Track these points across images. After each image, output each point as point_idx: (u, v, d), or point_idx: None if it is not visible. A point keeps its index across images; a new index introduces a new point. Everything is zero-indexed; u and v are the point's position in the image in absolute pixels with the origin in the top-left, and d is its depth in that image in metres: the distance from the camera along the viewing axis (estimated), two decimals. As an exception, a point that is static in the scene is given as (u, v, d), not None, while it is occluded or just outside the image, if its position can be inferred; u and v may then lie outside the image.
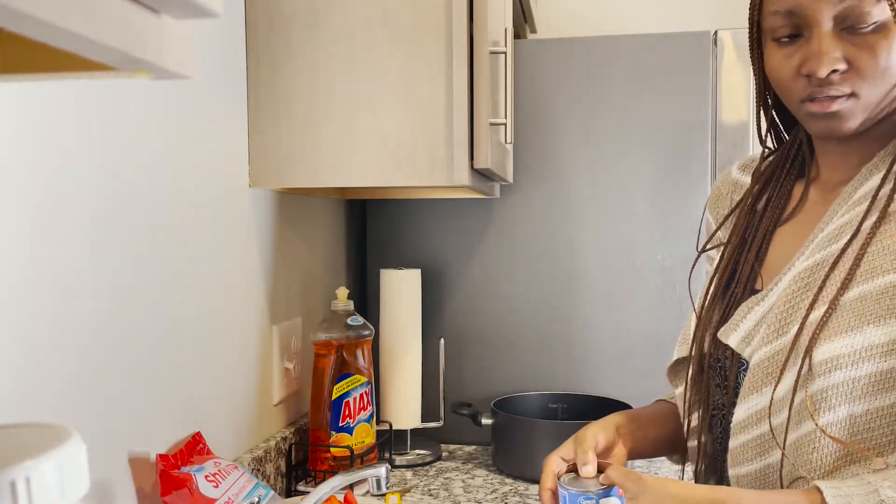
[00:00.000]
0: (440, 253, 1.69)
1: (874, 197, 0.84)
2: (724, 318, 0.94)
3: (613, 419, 1.03)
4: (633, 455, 1.04)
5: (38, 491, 0.40)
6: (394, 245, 1.72)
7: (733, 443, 0.89)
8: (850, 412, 0.79)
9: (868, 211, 0.84)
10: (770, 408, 0.85)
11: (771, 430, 0.84)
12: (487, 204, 1.67)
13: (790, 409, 0.83)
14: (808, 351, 0.81)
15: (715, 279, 0.98)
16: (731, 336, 0.90)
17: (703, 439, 0.97)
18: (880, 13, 0.79)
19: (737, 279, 0.96)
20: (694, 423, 0.97)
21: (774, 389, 0.84)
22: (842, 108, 0.82)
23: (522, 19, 1.95)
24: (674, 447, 1.08)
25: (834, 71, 0.81)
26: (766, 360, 0.86)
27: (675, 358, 1.02)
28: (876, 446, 0.80)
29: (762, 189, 0.99)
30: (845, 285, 0.81)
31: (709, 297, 0.97)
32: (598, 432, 0.99)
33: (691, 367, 0.97)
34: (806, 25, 0.83)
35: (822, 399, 0.80)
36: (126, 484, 0.92)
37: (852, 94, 0.82)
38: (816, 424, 0.80)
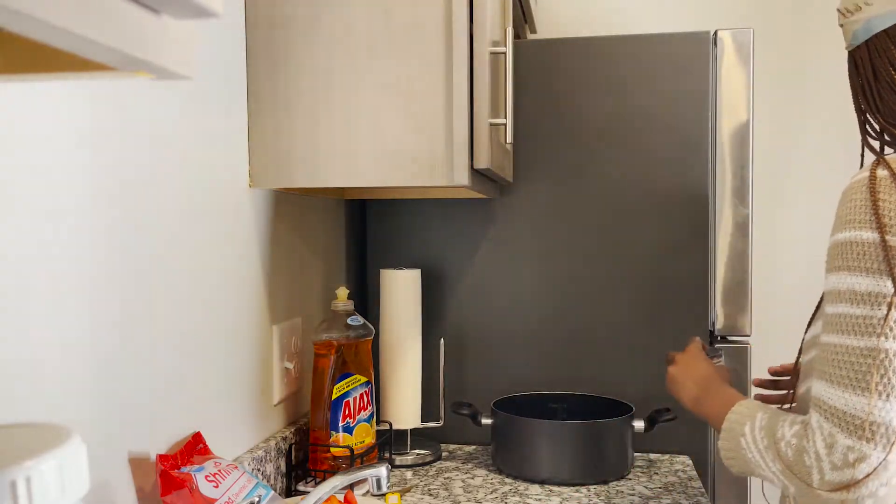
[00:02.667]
0: (440, 253, 1.69)
1: None
2: None
3: None
4: None
5: (38, 491, 0.40)
6: (394, 245, 1.72)
7: None
8: (807, 388, 1.03)
9: None
10: None
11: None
12: (487, 204, 1.67)
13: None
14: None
15: None
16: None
17: None
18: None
19: None
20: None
21: None
22: None
23: (522, 19, 1.95)
24: None
25: None
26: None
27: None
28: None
29: None
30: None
31: None
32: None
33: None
34: None
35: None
36: (126, 484, 0.92)
37: None
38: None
